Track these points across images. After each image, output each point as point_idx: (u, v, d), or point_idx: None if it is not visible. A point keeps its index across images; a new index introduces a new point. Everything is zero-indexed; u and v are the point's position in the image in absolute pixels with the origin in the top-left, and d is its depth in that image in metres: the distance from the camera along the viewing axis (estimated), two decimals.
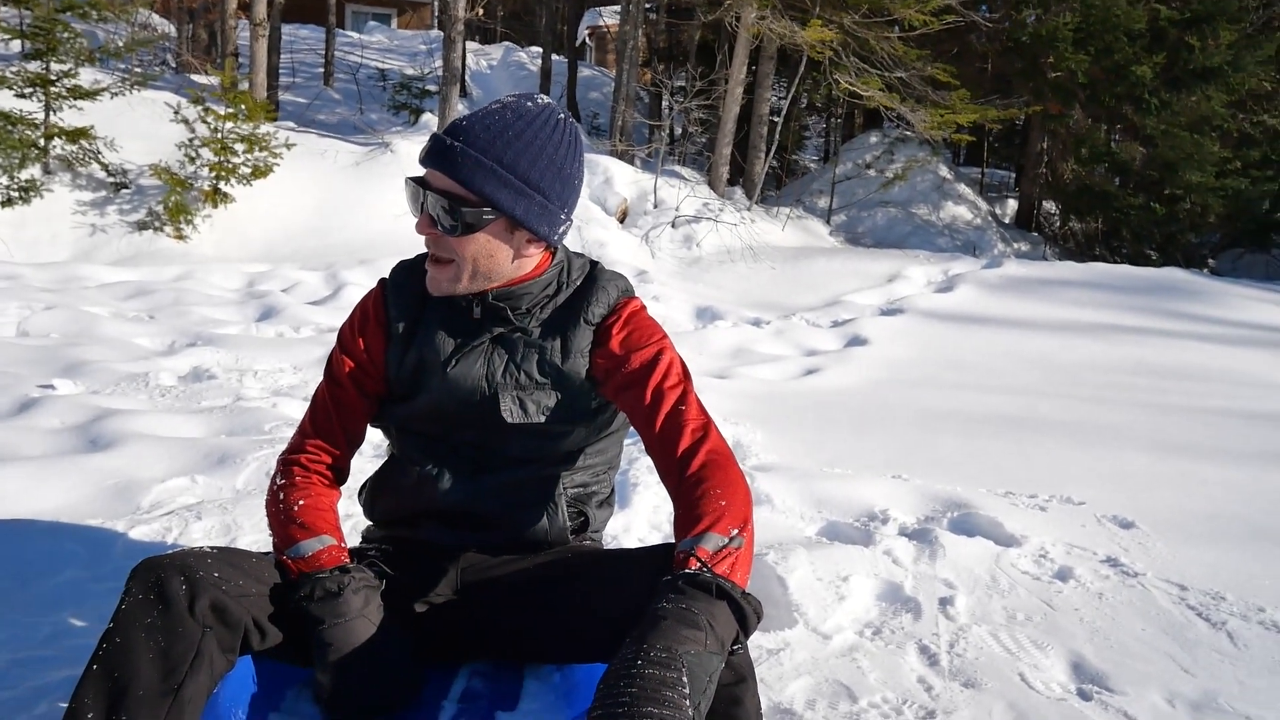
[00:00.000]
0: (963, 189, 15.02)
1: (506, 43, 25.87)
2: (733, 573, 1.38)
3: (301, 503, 1.65)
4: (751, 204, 12.09)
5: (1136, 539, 3.01)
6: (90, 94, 9.00)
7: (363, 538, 1.87)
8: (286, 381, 4.58)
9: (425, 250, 1.67)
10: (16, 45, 9.65)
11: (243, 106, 9.25)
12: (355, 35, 25.21)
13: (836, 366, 5.62)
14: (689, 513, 1.46)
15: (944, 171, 14.93)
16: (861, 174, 14.90)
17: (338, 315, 6.15)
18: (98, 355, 4.70)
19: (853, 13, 11.64)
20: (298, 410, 3.89)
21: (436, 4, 29.48)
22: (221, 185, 9.11)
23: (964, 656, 2.23)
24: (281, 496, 1.67)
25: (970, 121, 12.16)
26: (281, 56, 15.65)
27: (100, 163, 8.98)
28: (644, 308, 1.78)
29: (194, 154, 9.17)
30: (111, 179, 9.03)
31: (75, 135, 8.79)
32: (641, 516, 2.94)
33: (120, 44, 10.79)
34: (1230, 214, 13.34)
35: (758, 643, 2.21)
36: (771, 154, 13.13)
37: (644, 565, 1.54)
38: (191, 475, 3.10)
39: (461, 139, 1.55)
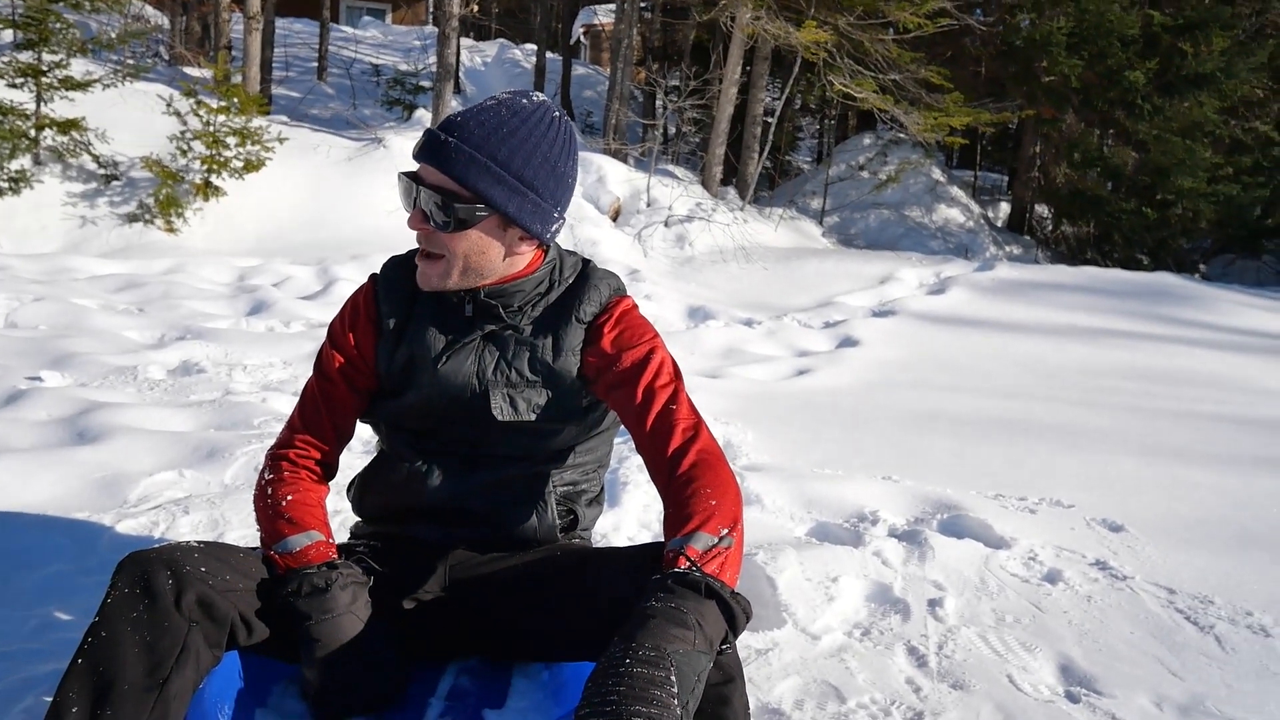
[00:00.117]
0: (955, 192, 15.04)
1: (501, 40, 25.79)
2: (722, 572, 1.38)
3: (290, 498, 1.64)
4: (744, 204, 12.08)
5: (1125, 542, 3.01)
6: (82, 85, 8.95)
7: (351, 534, 1.87)
8: (276, 376, 4.56)
9: (417, 246, 1.66)
10: (8, 35, 9.59)
11: (235, 100, 9.22)
12: (349, 30, 25.13)
13: (828, 367, 5.62)
14: (679, 512, 1.46)
15: (937, 174, 14.95)
16: (854, 175, 14.91)
17: (328, 310, 6.13)
18: (86, 348, 4.68)
19: (847, 14, 11.64)
20: (287, 405, 3.87)
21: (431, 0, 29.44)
22: (213, 178, 9.07)
23: (952, 658, 2.23)
24: (269, 491, 1.66)
25: (964, 124, 12.18)
26: (275, 50, 15.59)
27: (91, 154, 8.94)
28: (636, 306, 1.77)
29: (186, 147, 9.13)
30: (102, 171, 8.98)
31: (66, 126, 8.74)
32: (631, 515, 2.94)
33: (113, 35, 10.71)
34: (1221, 220, 13.39)
35: (746, 642, 2.21)
36: (765, 154, 13.13)
37: (633, 564, 1.54)
38: (180, 469, 3.09)
39: (456, 134, 1.55)
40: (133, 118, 9.61)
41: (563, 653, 1.64)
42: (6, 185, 8.25)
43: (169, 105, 9.23)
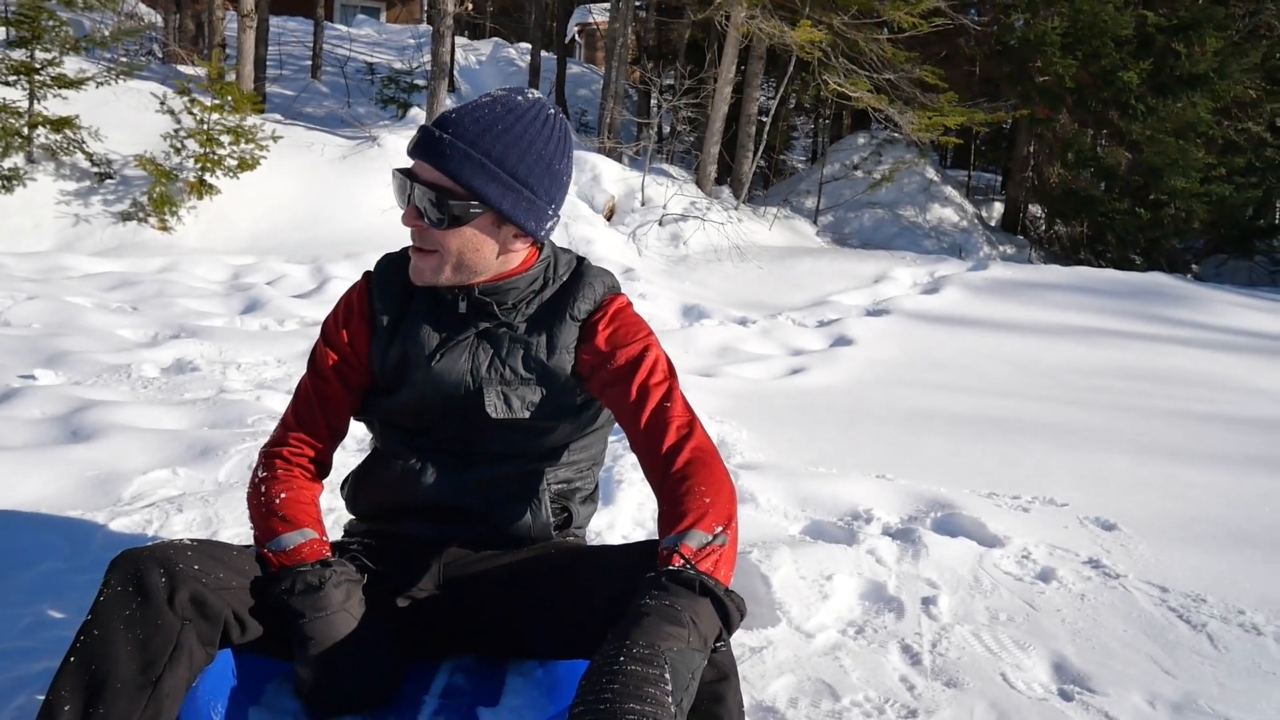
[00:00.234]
0: (949, 191, 15.06)
1: (495, 38, 25.78)
2: (716, 570, 1.38)
3: (283, 496, 1.64)
4: (739, 203, 12.09)
5: (1119, 541, 3.02)
6: (75, 83, 8.91)
7: (345, 532, 1.86)
8: (270, 374, 4.56)
9: (410, 243, 1.66)
10: (1, 33, 9.55)
11: (229, 98, 9.19)
12: (344, 28, 25.07)
13: (822, 366, 5.63)
14: (673, 509, 1.46)
15: (931, 174, 14.97)
16: (849, 175, 14.92)
17: (322, 308, 6.12)
18: (80, 346, 4.67)
19: (842, 14, 11.64)
20: (281, 403, 3.86)
21: None
22: (207, 177, 9.04)
23: (946, 656, 2.23)
24: (263, 489, 1.66)
25: (958, 124, 12.19)
26: (269, 48, 15.55)
27: (85, 152, 8.91)
28: (630, 304, 1.77)
29: (179, 145, 9.11)
30: (96, 169, 8.95)
31: (59, 124, 8.71)
32: (625, 513, 2.94)
33: (106, 33, 10.69)
34: (1214, 220, 13.43)
35: (740, 640, 2.21)
36: (759, 154, 13.13)
37: (627, 561, 1.54)
38: (173, 467, 3.09)
39: (450, 131, 1.55)
40: (126, 116, 9.58)
41: (557, 650, 1.64)
42: (0, 183, 8.23)
43: (163, 103, 9.19)
